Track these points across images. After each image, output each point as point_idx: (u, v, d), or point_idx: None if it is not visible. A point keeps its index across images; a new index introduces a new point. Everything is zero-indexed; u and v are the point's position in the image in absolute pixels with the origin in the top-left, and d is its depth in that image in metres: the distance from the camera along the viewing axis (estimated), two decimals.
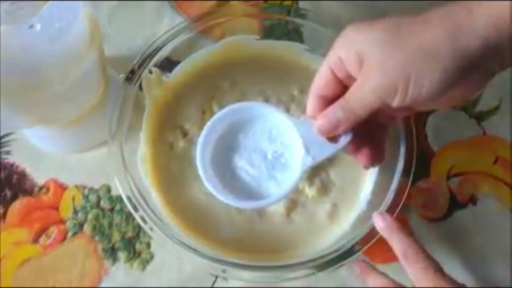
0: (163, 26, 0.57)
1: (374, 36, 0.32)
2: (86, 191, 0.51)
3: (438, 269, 0.36)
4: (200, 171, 0.38)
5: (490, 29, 0.29)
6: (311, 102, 0.37)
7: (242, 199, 0.38)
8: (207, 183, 0.38)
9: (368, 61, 0.32)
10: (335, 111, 0.35)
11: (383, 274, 0.40)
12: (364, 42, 0.33)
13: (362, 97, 0.33)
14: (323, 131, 0.36)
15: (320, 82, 0.36)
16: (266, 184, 0.39)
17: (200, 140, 0.39)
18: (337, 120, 0.35)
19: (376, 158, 0.39)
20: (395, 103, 0.32)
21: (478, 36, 0.30)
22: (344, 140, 0.36)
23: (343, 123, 0.35)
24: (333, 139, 0.37)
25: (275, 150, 0.39)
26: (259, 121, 0.39)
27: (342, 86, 0.36)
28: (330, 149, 0.36)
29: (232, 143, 0.40)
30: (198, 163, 0.38)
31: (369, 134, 0.38)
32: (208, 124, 0.39)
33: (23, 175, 0.51)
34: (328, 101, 0.36)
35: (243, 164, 0.39)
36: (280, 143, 0.39)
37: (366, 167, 0.40)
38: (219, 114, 0.39)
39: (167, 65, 0.50)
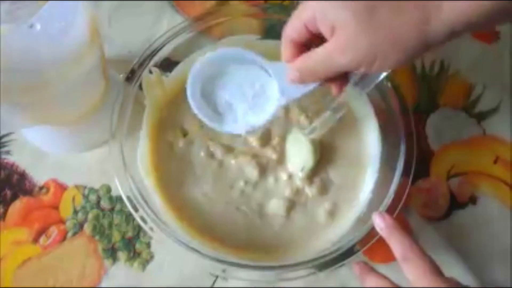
0: (163, 26, 0.57)
1: (349, 13, 0.34)
2: (86, 191, 0.51)
3: (436, 270, 0.36)
4: (192, 103, 0.41)
5: (455, 21, 0.33)
6: (285, 47, 0.40)
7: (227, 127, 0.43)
8: (199, 112, 0.42)
9: (339, 36, 0.35)
10: (303, 69, 0.39)
11: (381, 275, 0.40)
12: (339, 14, 0.35)
13: (327, 67, 0.37)
14: (294, 82, 0.40)
15: (293, 32, 0.39)
16: (248, 116, 0.43)
17: (189, 79, 0.42)
18: (304, 78, 0.39)
19: (344, 84, 0.41)
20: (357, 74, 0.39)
21: (444, 25, 0.33)
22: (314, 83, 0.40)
23: (309, 80, 0.40)
24: None
25: (257, 88, 0.43)
26: (241, 65, 0.42)
27: (311, 33, 0.38)
28: (301, 90, 0.41)
29: (219, 82, 0.43)
30: (190, 98, 0.41)
31: None
32: (196, 65, 0.42)
33: (23, 175, 0.51)
34: (300, 44, 0.39)
35: (229, 98, 0.43)
36: (260, 85, 0.42)
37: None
38: (206, 58, 0.42)
39: (167, 65, 0.50)
